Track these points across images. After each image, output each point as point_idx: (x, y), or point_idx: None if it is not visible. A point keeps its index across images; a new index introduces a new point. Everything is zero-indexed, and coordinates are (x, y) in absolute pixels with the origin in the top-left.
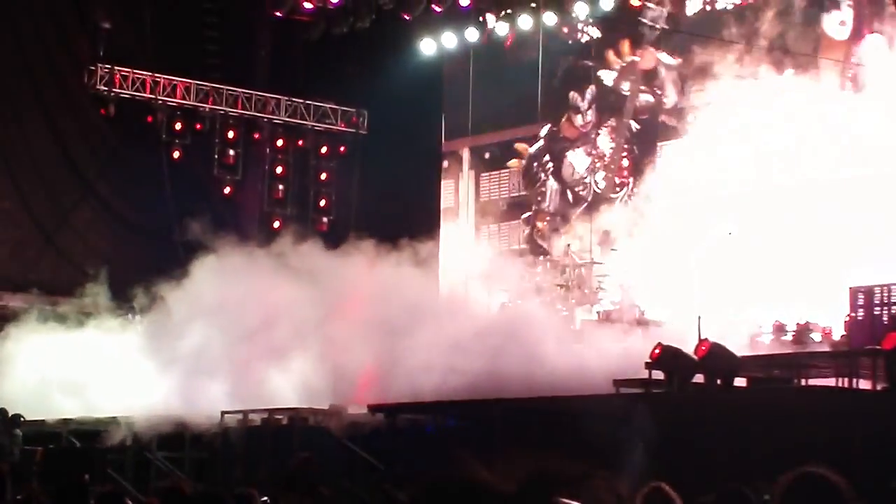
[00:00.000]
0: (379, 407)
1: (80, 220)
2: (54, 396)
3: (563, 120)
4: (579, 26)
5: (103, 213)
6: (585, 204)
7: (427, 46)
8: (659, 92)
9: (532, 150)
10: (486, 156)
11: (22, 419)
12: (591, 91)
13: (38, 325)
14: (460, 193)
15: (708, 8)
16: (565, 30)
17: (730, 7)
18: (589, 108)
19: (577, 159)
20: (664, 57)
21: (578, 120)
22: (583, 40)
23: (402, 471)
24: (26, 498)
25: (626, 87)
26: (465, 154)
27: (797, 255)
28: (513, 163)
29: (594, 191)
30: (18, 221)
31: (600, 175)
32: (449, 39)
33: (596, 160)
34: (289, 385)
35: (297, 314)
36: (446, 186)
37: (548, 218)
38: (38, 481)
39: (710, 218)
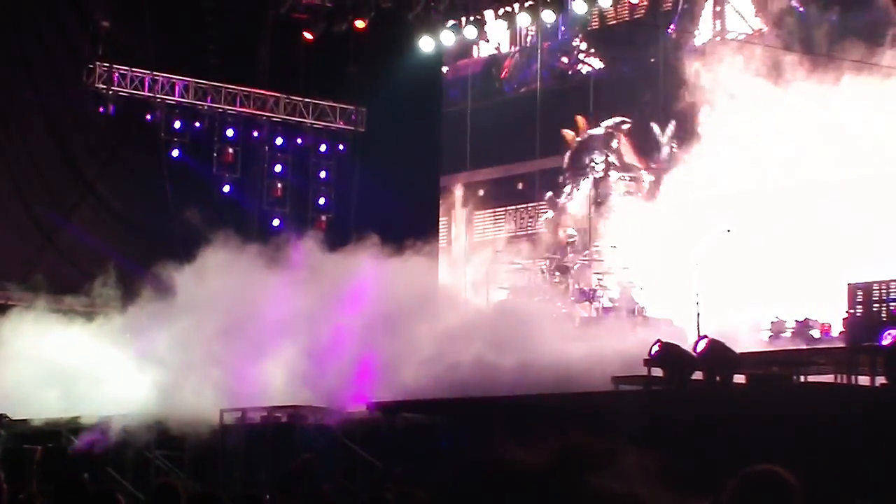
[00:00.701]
0: (378, 405)
1: (79, 220)
2: (47, 394)
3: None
4: (580, 56)
5: (102, 211)
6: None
7: (426, 44)
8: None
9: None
10: (481, 193)
11: (5, 419)
12: None
13: (34, 322)
14: (453, 232)
15: (718, 39)
16: (565, 60)
17: (741, 37)
18: None
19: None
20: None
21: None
22: (584, 71)
23: (402, 470)
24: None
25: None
26: (459, 191)
27: (796, 252)
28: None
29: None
30: (18, 221)
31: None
32: (447, 37)
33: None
34: (287, 383)
35: (295, 311)
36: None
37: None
38: (37, 481)
39: (709, 216)
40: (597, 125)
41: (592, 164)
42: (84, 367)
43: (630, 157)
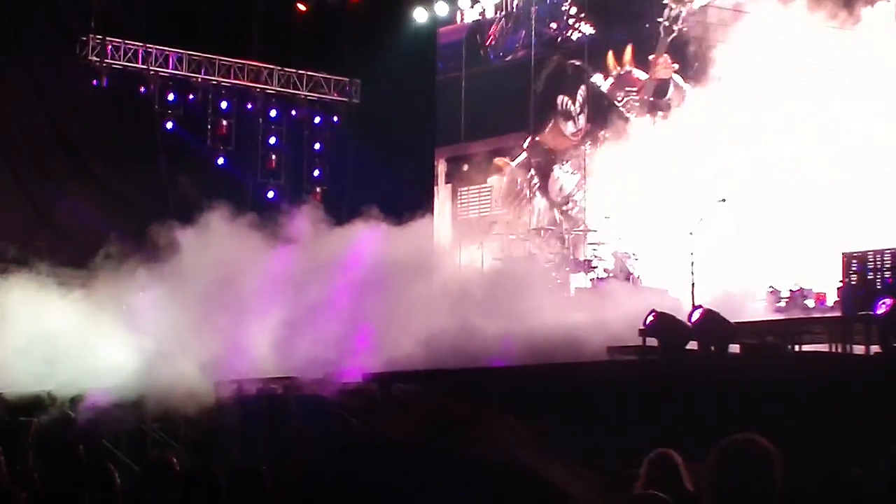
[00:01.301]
0: (373, 375)
1: (73, 193)
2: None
3: (549, 128)
4: (570, 21)
5: (96, 184)
6: (581, 226)
7: (420, 15)
8: (661, 114)
9: (514, 163)
10: (465, 168)
11: None
12: (581, 94)
13: (27, 293)
14: (435, 209)
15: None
16: (554, 25)
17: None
18: (580, 112)
19: (564, 176)
20: (678, 79)
21: (569, 128)
22: (574, 38)
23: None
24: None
25: (620, 97)
26: (441, 166)
27: (791, 221)
28: (493, 180)
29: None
30: (11, 196)
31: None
32: (441, 8)
33: (583, 179)
34: (282, 353)
35: (290, 282)
36: None
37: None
38: (32, 454)
39: (704, 187)
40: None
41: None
42: (75, 338)
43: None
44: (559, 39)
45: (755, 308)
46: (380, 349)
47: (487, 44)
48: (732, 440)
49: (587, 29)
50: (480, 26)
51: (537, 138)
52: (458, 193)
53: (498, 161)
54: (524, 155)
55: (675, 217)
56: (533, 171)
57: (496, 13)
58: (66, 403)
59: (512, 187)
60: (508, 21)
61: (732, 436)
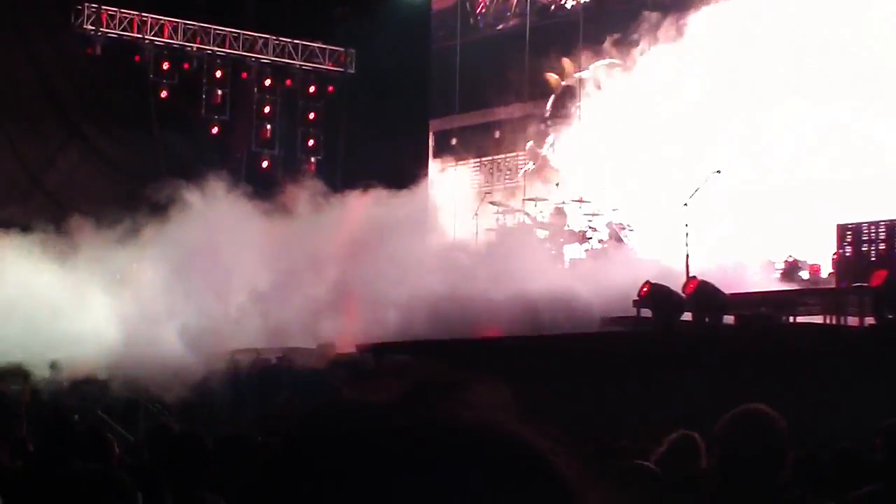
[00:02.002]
0: (367, 346)
1: (66, 162)
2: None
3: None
4: None
5: (90, 153)
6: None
7: None
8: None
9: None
10: (453, 142)
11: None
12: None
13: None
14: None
15: None
16: None
17: None
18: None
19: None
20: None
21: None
22: (568, 6)
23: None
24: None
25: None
26: (430, 140)
27: (786, 192)
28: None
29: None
30: (4, 162)
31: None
32: None
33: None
34: (273, 325)
35: (283, 254)
36: None
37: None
38: (26, 423)
39: (700, 157)
40: (584, 68)
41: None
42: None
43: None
44: (552, 7)
45: (749, 279)
46: (374, 319)
47: (478, 12)
48: (743, 409)
49: None
50: None
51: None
52: (446, 169)
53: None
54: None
55: (669, 188)
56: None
57: None
58: (45, 371)
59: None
60: None
61: (741, 406)
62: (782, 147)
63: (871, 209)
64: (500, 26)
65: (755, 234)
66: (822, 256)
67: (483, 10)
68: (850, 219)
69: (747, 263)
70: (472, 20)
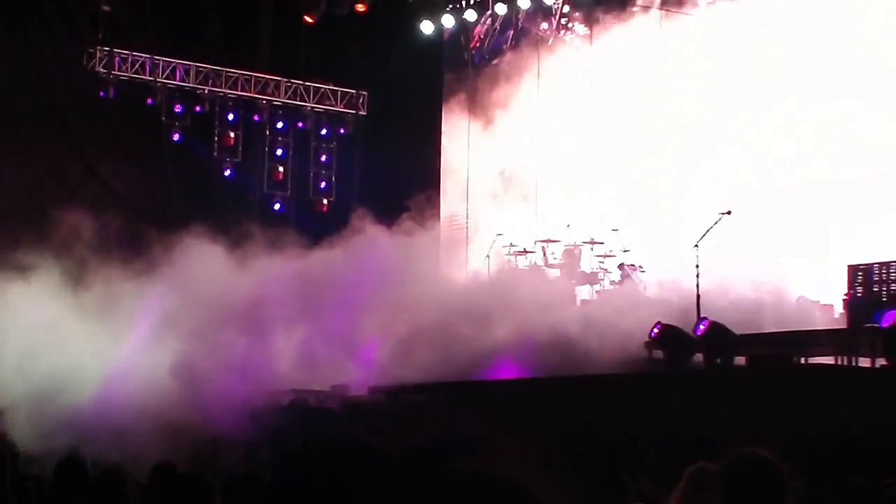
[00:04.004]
0: (380, 388)
1: (82, 202)
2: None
3: None
4: (563, 21)
5: (105, 194)
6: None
7: (426, 27)
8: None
9: None
10: None
11: None
12: None
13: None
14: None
15: None
16: (545, 26)
17: None
18: None
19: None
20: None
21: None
22: (567, 38)
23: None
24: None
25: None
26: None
27: (798, 231)
28: None
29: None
30: (20, 203)
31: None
32: (448, 20)
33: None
34: (290, 366)
35: (297, 293)
36: None
37: None
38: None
39: (708, 197)
40: None
41: None
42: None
43: None
44: (550, 42)
45: (761, 319)
46: (387, 361)
47: (472, 45)
48: (740, 455)
49: (581, 29)
50: (464, 27)
51: None
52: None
53: None
54: None
55: (679, 229)
56: None
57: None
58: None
59: None
60: (495, 20)
61: (740, 450)
62: (791, 179)
63: (872, 209)
64: (496, 62)
65: (767, 273)
66: (833, 296)
67: (477, 44)
68: (850, 220)
69: (759, 302)
70: (465, 55)
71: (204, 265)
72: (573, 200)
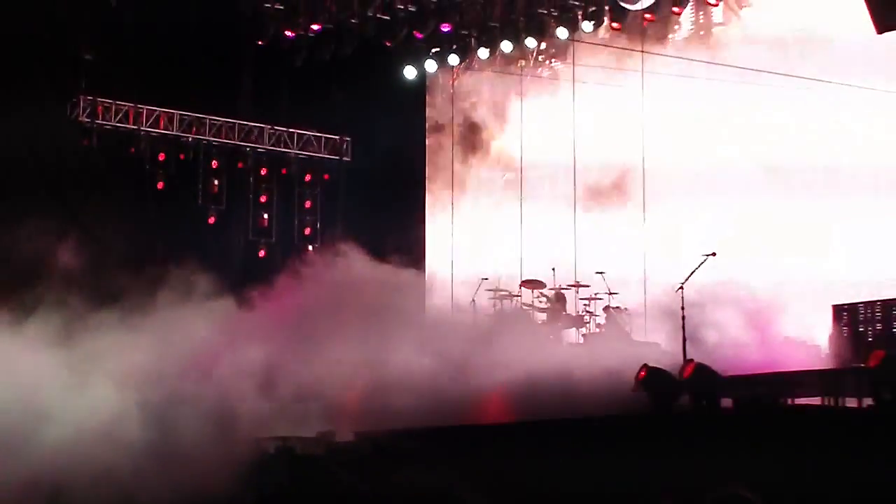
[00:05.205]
0: (367, 433)
1: (64, 251)
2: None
3: None
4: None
5: (88, 243)
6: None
7: (409, 73)
8: None
9: None
10: None
11: None
12: None
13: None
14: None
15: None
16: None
17: None
18: None
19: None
20: None
21: None
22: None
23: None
24: None
25: None
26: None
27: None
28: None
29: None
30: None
31: None
32: (431, 66)
33: None
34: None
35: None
36: None
37: None
38: None
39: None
40: None
41: None
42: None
43: None
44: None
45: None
46: (373, 407)
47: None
48: (721, 494)
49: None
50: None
51: None
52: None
53: None
54: None
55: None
56: None
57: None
58: None
59: None
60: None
61: (719, 490)
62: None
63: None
64: (475, 99)
65: (749, 313)
66: (819, 336)
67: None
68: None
69: (745, 343)
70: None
71: (186, 314)
72: (557, 245)
